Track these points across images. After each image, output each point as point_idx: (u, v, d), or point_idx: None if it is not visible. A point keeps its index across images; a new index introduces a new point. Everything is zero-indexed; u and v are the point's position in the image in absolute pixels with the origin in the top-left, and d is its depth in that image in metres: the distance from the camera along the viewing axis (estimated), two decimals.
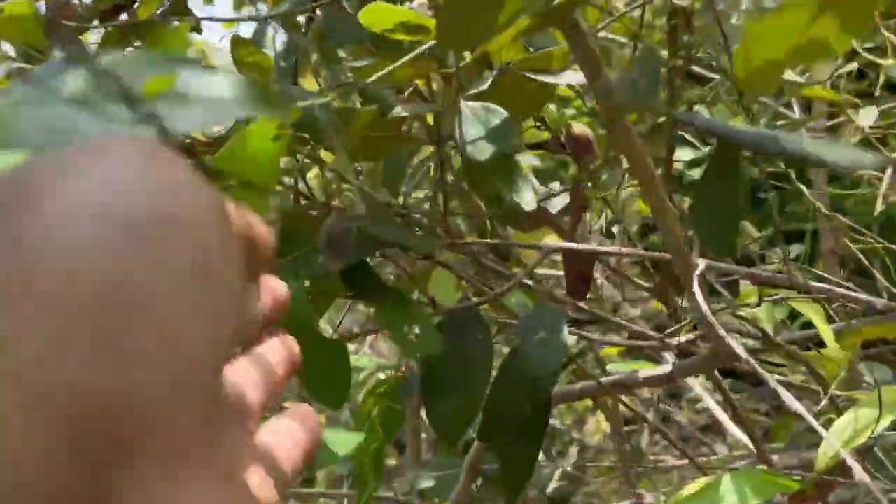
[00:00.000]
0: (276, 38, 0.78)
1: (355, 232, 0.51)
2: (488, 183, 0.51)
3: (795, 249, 1.78)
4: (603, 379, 0.74)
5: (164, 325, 0.18)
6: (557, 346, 0.64)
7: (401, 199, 0.62)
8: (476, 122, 0.48)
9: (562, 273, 1.46)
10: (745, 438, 1.19)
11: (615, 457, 1.83)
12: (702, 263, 0.64)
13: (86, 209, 0.18)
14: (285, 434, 0.28)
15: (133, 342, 0.18)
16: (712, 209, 0.34)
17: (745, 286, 1.17)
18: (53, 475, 0.17)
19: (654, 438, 1.91)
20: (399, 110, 0.50)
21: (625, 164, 0.85)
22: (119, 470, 0.18)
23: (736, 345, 0.54)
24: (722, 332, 0.55)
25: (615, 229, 1.11)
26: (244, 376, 0.27)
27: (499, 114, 0.48)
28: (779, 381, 0.94)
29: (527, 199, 0.52)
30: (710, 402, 1.25)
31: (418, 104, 0.53)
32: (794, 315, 1.28)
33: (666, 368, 0.77)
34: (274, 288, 0.28)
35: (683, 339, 0.70)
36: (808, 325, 1.21)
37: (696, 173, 1.88)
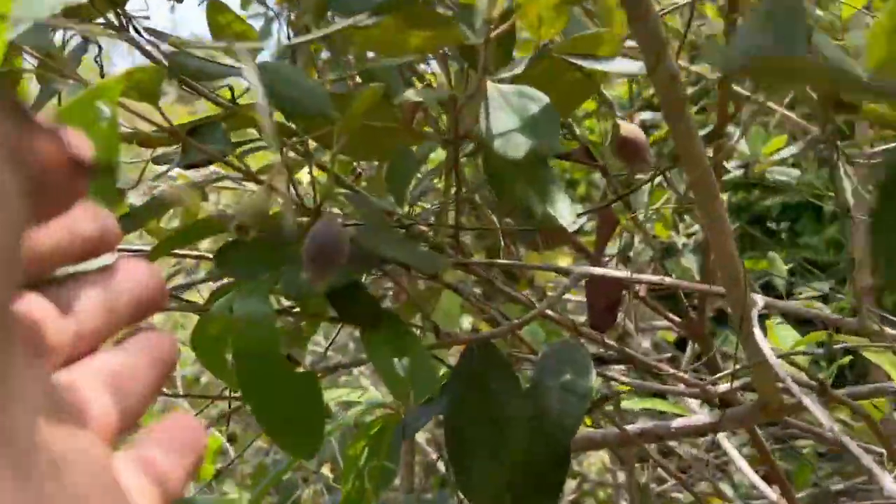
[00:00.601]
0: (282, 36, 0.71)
1: (347, 244, 0.40)
2: (517, 189, 0.41)
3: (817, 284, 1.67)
4: (629, 427, 0.64)
5: None
6: (583, 391, 0.54)
7: (406, 208, 0.52)
8: (508, 109, 0.37)
9: (572, 297, 1.36)
10: (762, 485, 1.10)
11: (614, 491, 1.74)
12: (760, 300, 0.55)
13: None
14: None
15: None
16: None
17: (775, 324, 1.07)
18: None
19: (655, 473, 1.82)
20: (410, 94, 0.40)
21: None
22: None
23: (808, 400, 0.44)
24: (791, 385, 0.45)
25: (634, 253, 1.01)
26: (86, 381, 0.23)
27: (538, 100, 0.37)
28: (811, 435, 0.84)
29: (563, 213, 0.42)
30: (726, 443, 1.17)
31: (433, 90, 0.43)
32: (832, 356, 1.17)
33: (703, 418, 0.67)
34: (145, 271, 0.25)
35: (728, 386, 0.59)
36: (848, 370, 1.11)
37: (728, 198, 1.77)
